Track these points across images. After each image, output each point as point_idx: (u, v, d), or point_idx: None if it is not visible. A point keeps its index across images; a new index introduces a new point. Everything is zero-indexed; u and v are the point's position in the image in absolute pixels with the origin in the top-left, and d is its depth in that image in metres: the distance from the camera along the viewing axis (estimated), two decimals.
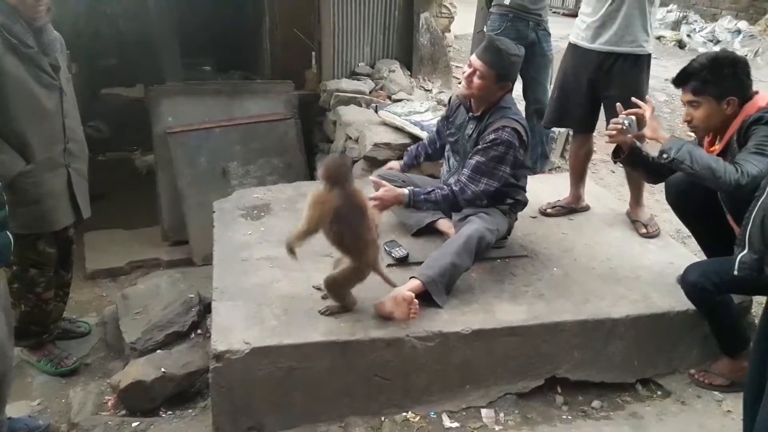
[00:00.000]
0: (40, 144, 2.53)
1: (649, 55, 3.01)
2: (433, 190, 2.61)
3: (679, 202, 2.67)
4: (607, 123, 3.07)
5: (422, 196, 2.59)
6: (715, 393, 2.47)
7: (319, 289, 2.44)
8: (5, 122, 2.45)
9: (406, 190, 2.59)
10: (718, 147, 2.36)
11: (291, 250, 2.24)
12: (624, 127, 2.51)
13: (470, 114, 2.72)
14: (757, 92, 2.31)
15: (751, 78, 2.31)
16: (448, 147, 2.90)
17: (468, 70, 2.61)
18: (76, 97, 2.77)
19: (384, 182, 2.59)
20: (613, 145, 2.65)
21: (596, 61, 3.01)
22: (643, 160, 2.65)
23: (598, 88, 3.06)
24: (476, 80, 2.58)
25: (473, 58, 2.61)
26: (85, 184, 2.83)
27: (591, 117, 3.18)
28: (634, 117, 2.53)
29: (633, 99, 2.57)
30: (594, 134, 3.34)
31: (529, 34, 3.85)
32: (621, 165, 2.84)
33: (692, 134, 2.54)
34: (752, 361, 2.00)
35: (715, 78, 2.28)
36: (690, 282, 2.39)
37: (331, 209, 2.18)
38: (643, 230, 3.06)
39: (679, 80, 2.37)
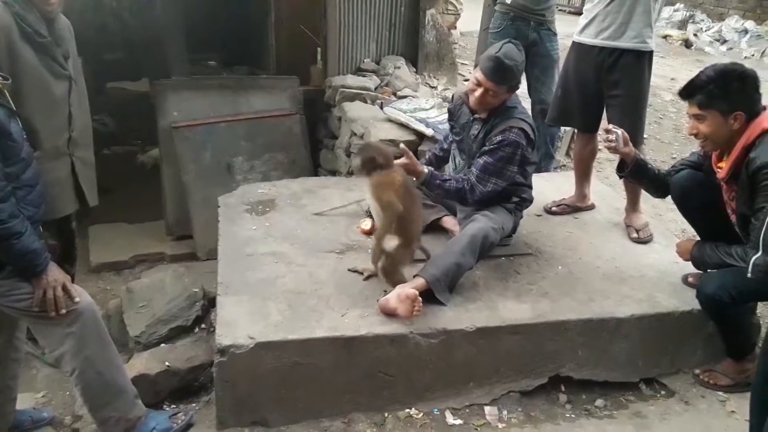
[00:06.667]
0: (47, 133, 2.53)
1: (651, 52, 2.99)
2: (450, 179, 2.64)
3: (682, 199, 2.66)
4: (609, 122, 3.07)
5: (438, 181, 2.63)
6: (719, 393, 2.47)
7: (356, 271, 2.57)
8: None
9: (426, 169, 2.62)
10: (725, 166, 2.31)
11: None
12: (614, 143, 2.59)
13: (475, 114, 2.71)
14: (765, 108, 2.25)
15: (759, 92, 2.25)
16: (453, 145, 2.89)
17: (478, 90, 2.58)
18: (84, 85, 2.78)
19: (411, 154, 2.60)
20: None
21: (598, 57, 3.00)
22: (648, 173, 2.65)
23: (600, 86, 3.05)
24: (491, 99, 2.58)
25: (482, 78, 2.56)
26: (92, 172, 2.82)
27: (594, 116, 3.17)
28: (620, 131, 2.59)
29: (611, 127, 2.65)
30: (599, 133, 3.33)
31: (530, 34, 3.83)
32: (627, 179, 2.83)
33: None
34: (760, 363, 2.00)
35: (722, 92, 2.22)
36: (707, 294, 2.36)
37: (401, 187, 2.35)
38: (634, 235, 3.04)
39: (686, 93, 2.33)
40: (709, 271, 2.48)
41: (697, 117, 2.30)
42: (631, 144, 2.63)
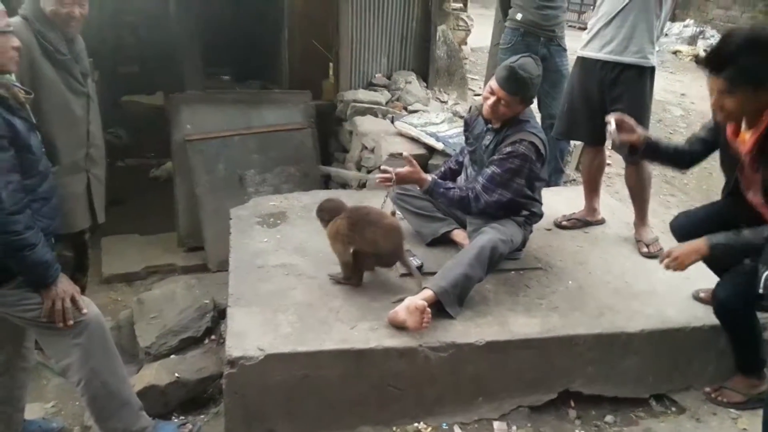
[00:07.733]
0: (65, 148, 2.59)
1: (653, 68, 3.00)
2: (454, 188, 2.67)
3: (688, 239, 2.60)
4: None
5: (441, 189, 2.66)
6: (731, 410, 2.44)
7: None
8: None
9: (429, 177, 2.66)
10: (750, 139, 2.15)
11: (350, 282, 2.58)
12: (610, 133, 2.50)
13: (488, 125, 2.73)
14: None
15: None
16: (467, 156, 2.91)
17: (491, 98, 2.59)
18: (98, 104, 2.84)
19: (414, 162, 2.65)
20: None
21: (602, 71, 3.01)
22: (664, 152, 2.56)
23: (604, 100, 3.05)
24: (502, 109, 2.59)
25: (496, 87, 2.57)
26: (102, 190, 2.88)
27: (600, 129, 3.14)
28: (612, 120, 2.50)
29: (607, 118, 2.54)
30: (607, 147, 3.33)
31: (540, 50, 3.86)
32: (644, 160, 2.74)
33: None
34: None
35: (754, 64, 1.99)
36: (721, 301, 2.33)
37: (345, 229, 2.45)
38: (645, 249, 3.03)
39: (714, 66, 2.06)
40: (721, 279, 2.45)
41: (723, 92, 2.07)
42: (636, 129, 2.52)
